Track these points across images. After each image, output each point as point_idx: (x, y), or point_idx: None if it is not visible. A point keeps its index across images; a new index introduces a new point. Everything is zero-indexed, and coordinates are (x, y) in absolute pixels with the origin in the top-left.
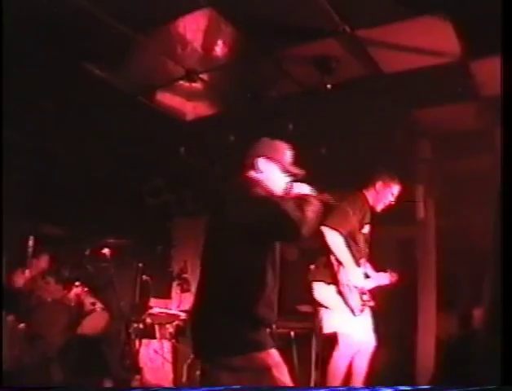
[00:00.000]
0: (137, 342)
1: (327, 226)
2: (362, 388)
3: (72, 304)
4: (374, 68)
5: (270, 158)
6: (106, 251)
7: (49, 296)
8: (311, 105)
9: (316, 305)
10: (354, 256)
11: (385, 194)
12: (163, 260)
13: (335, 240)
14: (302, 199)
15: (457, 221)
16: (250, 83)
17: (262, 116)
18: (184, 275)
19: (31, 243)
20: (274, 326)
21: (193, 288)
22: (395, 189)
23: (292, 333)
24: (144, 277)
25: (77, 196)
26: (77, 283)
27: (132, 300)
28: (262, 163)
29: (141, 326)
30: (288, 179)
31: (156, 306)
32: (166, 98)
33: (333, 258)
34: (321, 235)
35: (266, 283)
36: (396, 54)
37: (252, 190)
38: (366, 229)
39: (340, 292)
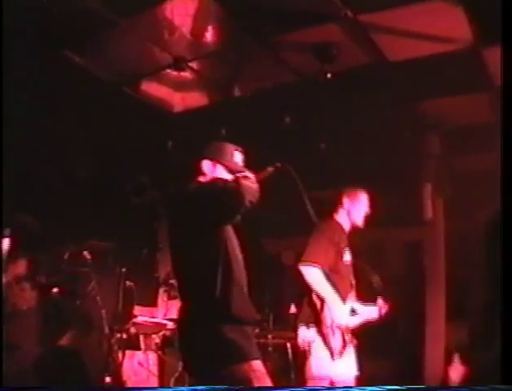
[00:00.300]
0: (120, 354)
1: (304, 262)
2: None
3: (50, 311)
4: (378, 55)
5: (215, 160)
6: (86, 254)
7: (24, 304)
8: (310, 96)
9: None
10: (338, 290)
11: (356, 208)
12: (148, 264)
13: (315, 276)
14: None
15: (469, 221)
16: (244, 72)
17: (256, 109)
18: (171, 281)
19: (5, 245)
20: (264, 333)
21: None
22: (364, 198)
23: (288, 344)
24: (128, 283)
25: (54, 195)
26: (55, 290)
27: (115, 308)
28: (207, 165)
29: (124, 336)
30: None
31: (141, 315)
32: (152, 88)
33: (315, 296)
34: (299, 274)
35: (232, 280)
36: (402, 41)
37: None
38: (347, 256)
39: (321, 334)
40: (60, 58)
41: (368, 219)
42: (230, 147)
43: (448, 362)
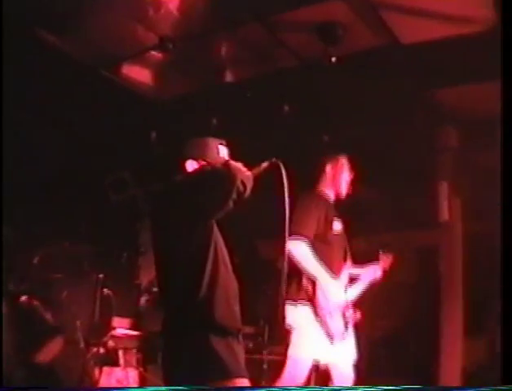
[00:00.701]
0: (97, 370)
1: (291, 235)
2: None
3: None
4: (389, 37)
5: (200, 159)
6: (59, 259)
7: None
8: (312, 82)
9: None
10: (330, 263)
11: (340, 176)
12: (129, 270)
13: (301, 252)
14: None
15: (490, 224)
16: (237, 55)
17: (251, 95)
18: (155, 289)
19: None
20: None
21: None
22: (346, 164)
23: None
24: (106, 291)
25: (24, 191)
26: (23, 298)
27: (91, 319)
28: (192, 166)
29: (102, 350)
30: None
31: (120, 327)
32: (135, 71)
33: (305, 276)
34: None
35: (217, 285)
36: (415, 21)
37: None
38: (337, 225)
39: (318, 317)
40: (32, 37)
41: (352, 185)
42: (214, 141)
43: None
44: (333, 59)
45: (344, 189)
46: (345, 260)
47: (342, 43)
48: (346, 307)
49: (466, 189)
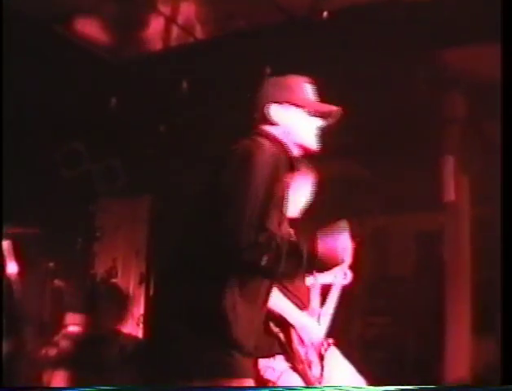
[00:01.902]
0: (47, 374)
1: None
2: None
3: None
4: None
5: (285, 101)
6: (4, 245)
7: None
8: (300, 40)
9: None
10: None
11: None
12: (83, 258)
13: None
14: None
15: (501, 206)
16: (213, 8)
17: (228, 55)
18: (113, 280)
19: None
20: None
21: (125, 298)
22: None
23: None
24: (57, 282)
25: None
26: None
27: (40, 315)
28: (276, 111)
29: (52, 351)
30: (319, 123)
31: (73, 324)
32: (91, 26)
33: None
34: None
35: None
36: None
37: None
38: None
39: (296, 370)
40: None
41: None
42: (298, 79)
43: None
44: (325, 15)
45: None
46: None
47: None
48: (321, 342)
49: (475, 165)
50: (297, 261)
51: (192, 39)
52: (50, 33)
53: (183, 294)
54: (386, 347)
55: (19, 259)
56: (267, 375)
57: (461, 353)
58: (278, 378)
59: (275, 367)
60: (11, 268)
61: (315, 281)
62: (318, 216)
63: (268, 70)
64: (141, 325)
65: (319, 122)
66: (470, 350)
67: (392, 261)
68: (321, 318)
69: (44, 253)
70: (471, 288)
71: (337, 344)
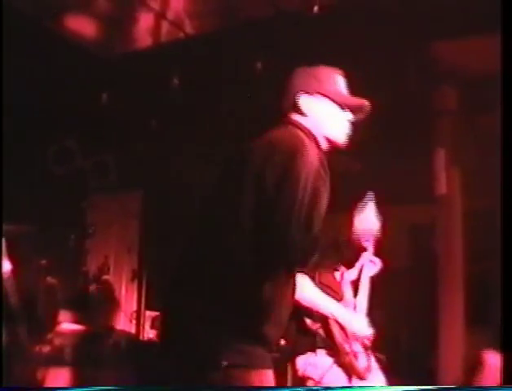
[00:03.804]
0: (40, 372)
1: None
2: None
3: None
4: None
5: (316, 92)
6: None
7: None
8: (291, 35)
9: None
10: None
11: None
12: (75, 255)
13: (309, 289)
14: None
15: (493, 198)
16: (203, 3)
17: (219, 50)
18: (105, 277)
19: None
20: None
21: (118, 295)
22: None
23: None
24: (49, 279)
25: None
26: None
27: (32, 313)
28: (306, 101)
29: (46, 349)
30: (348, 116)
31: (66, 321)
32: (82, 23)
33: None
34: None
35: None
36: None
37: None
38: None
39: (341, 365)
40: None
41: None
42: (329, 70)
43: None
44: (316, 9)
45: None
46: (337, 269)
47: None
48: (363, 334)
49: (467, 158)
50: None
51: (182, 34)
52: (40, 30)
53: (214, 284)
54: (378, 340)
55: (11, 256)
56: (308, 372)
57: (454, 346)
58: (322, 375)
59: (317, 364)
60: (3, 266)
61: (345, 273)
62: None
63: (259, 65)
64: (134, 321)
65: (349, 116)
66: (462, 341)
67: (384, 253)
68: (357, 308)
69: (36, 250)
70: (463, 281)
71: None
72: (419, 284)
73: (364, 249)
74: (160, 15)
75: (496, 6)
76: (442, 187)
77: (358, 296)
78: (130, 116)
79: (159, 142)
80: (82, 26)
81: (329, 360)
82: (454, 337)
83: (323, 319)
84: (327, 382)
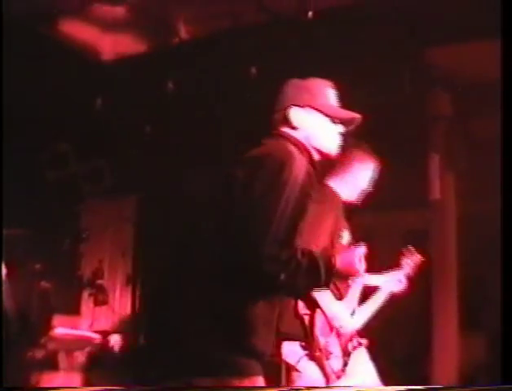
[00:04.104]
0: (34, 376)
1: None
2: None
3: None
4: None
5: (307, 105)
6: None
7: None
8: (285, 40)
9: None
10: (334, 287)
11: (358, 174)
12: (69, 259)
13: None
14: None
15: (487, 203)
16: (196, 8)
17: (214, 56)
18: (99, 282)
19: None
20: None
21: (112, 300)
22: (371, 161)
23: None
24: (43, 284)
25: None
26: None
27: (26, 318)
28: (297, 114)
29: (40, 353)
30: (339, 129)
31: (61, 326)
32: (77, 28)
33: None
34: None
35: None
36: None
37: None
38: (345, 236)
39: (312, 358)
40: None
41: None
42: (320, 83)
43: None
44: (310, 14)
45: (361, 191)
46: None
47: None
48: (350, 337)
49: (461, 163)
50: (315, 277)
51: (177, 40)
52: (35, 35)
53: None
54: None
55: (5, 261)
56: (289, 358)
57: (448, 350)
58: (296, 363)
59: (296, 352)
60: None
61: (360, 279)
62: None
63: (254, 70)
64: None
65: (339, 128)
66: (457, 347)
67: (378, 258)
68: (356, 313)
69: (30, 255)
70: (457, 285)
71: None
72: (413, 289)
73: (398, 266)
74: (155, 20)
75: (496, 12)
76: (436, 192)
77: (365, 304)
78: (124, 121)
79: (153, 147)
80: (77, 31)
81: (302, 351)
82: (448, 342)
83: (313, 308)
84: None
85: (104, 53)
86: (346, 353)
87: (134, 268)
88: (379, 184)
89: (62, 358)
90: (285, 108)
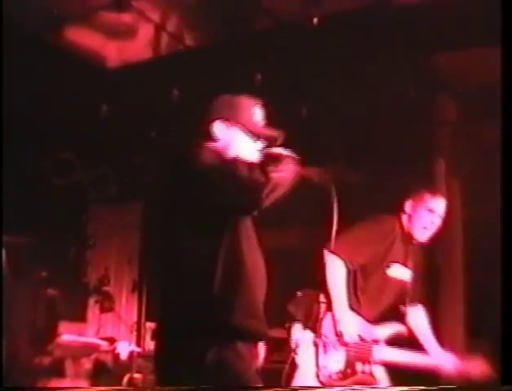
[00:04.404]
0: (41, 383)
1: (332, 251)
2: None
3: None
4: None
5: (230, 120)
6: None
7: None
8: (290, 46)
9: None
10: (355, 297)
11: (420, 215)
12: (76, 267)
13: (335, 270)
14: (269, 160)
15: (493, 208)
16: (203, 15)
17: (219, 63)
18: (105, 288)
19: None
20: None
21: (118, 307)
22: (435, 204)
23: None
24: (50, 291)
25: None
26: None
27: (33, 325)
28: (219, 127)
29: (46, 360)
30: (259, 145)
31: (67, 333)
32: (82, 35)
33: (322, 295)
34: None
35: (242, 284)
36: None
37: (204, 162)
38: (393, 269)
39: (315, 345)
40: None
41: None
42: (247, 101)
43: None
44: (315, 21)
45: (422, 233)
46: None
47: (324, 2)
48: (360, 349)
49: (466, 168)
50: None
51: (182, 46)
52: (40, 42)
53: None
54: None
55: (12, 268)
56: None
57: (454, 355)
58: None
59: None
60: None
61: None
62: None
63: (259, 76)
64: (134, 332)
65: (260, 145)
66: (462, 350)
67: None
68: (369, 332)
69: (37, 262)
70: (464, 290)
71: None
72: (418, 295)
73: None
74: (159, 28)
75: (496, 17)
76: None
77: (383, 327)
78: (129, 128)
79: (158, 153)
80: (82, 39)
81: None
82: (454, 346)
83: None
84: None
85: (109, 60)
86: (351, 365)
87: (140, 274)
88: (385, 189)
89: (69, 365)
90: (211, 121)
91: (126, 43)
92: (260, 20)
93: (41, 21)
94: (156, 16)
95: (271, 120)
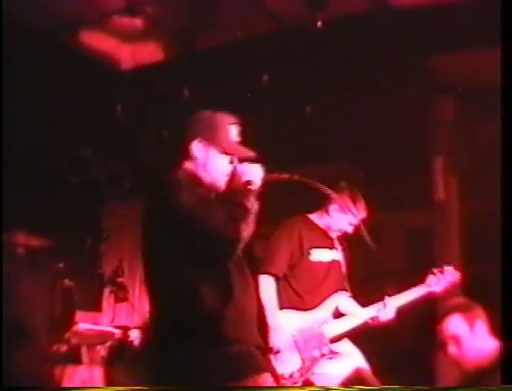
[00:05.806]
0: (58, 369)
1: (260, 271)
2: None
3: None
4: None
5: (206, 139)
6: (13, 247)
7: None
8: (296, 49)
9: None
10: (299, 293)
11: (342, 216)
12: (91, 259)
13: (264, 285)
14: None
15: (489, 204)
16: (211, 19)
17: (226, 64)
18: (119, 279)
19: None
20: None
21: (132, 297)
22: (358, 209)
23: None
24: (66, 282)
25: None
26: None
27: (51, 314)
28: (196, 147)
29: (63, 348)
30: (232, 165)
31: (83, 321)
32: (97, 38)
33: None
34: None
35: (231, 293)
36: None
37: (183, 186)
38: (320, 254)
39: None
40: None
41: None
42: (224, 120)
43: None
44: (319, 24)
45: (346, 227)
46: (334, 289)
47: (328, 6)
48: (311, 342)
49: (464, 165)
50: None
51: (193, 48)
52: (57, 44)
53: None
54: (377, 344)
55: (31, 260)
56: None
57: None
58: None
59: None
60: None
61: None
62: None
63: (266, 77)
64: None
65: (233, 163)
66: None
67: (383, 258)
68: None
69: (54, 255)
70: (462, 284)
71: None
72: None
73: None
74: (169, 30)
75: (496, 19)
76: (439, 193)
77: (339, 321)
78: (142, 126)
79: (170, 151)
80: (97, 40)
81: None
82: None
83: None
84: None
85: (124, 62)
86: (310, 359)
87: None
88: (384, 185)
89: (84, 352)
90: (189, 140)
91: (140, 46)
92: (266, 23)
93: (57, 22)
94: (164, 20)
95: (246, 138)
